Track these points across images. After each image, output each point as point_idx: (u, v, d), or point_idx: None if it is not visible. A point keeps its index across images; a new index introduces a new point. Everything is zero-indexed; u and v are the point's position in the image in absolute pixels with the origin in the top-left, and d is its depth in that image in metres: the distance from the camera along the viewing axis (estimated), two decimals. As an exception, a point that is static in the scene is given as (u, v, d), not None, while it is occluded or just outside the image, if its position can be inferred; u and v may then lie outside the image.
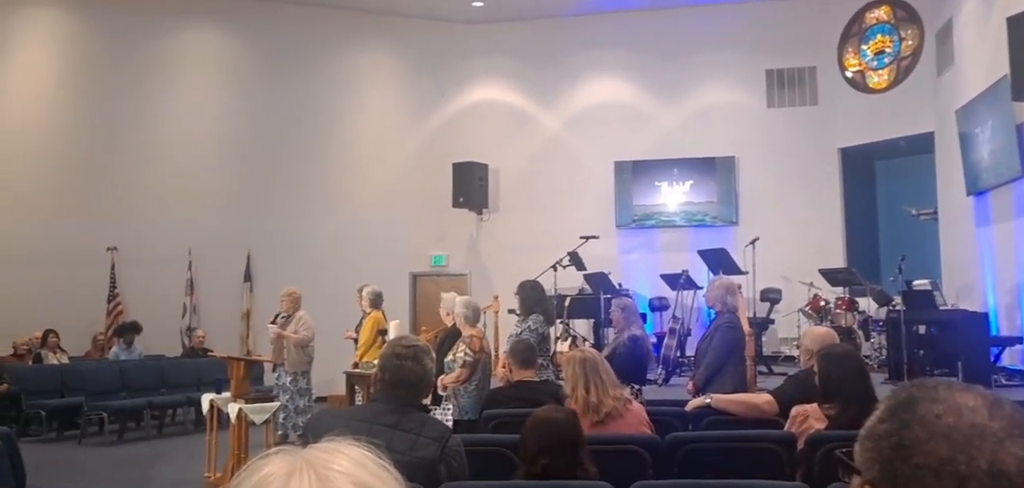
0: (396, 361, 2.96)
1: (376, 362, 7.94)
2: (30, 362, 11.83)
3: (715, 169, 13.53)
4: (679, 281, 10.99)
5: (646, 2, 13.69)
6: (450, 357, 6.15)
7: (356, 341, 9.82)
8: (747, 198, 13.43)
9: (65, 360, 12.20)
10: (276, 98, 14.10)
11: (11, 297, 12.82)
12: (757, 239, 10.93)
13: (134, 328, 12.54)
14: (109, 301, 13.62)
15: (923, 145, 12.11)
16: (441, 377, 6.07)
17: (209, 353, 12.67)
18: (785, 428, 4.09)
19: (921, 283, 9.76)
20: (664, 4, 13.77)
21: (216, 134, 14.14)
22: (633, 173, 13.75)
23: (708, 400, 4.85)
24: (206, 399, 8.14)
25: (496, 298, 11.07)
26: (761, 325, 11.08)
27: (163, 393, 11.44)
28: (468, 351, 6.12)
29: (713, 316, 7.19)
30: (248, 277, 13.88)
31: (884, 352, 9.78)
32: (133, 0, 14.01)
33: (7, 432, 5.35)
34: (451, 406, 6.20)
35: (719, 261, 10.50)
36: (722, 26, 13.65)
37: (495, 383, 6.43)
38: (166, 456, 9.32)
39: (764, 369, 10.06)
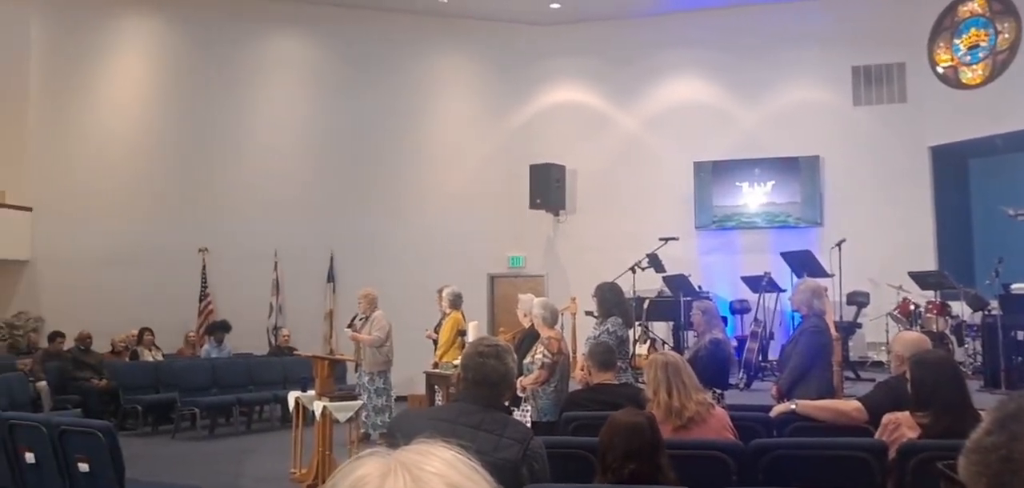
0: (479, 360, 2.96)
1: (455, 363, 8.06)
2: (127, 359, 12.36)
3: (798, 169, 13.21)
4: (761, 283, 10.77)
5: (725, 0, 13.47)
6: (529, 359, 6.18)
7: (436, 341, 9.95)
8: (832, 199, 13.08)
9: (159, 357, 12.72)
10: (358, 102, 14.40)
11: (110, 296, 13.45)
12: (843, 241, 10.62)
13: (224, 327, 12.96)
14: (200, 300, 14.14)
15: (1021, 143, 11.57)
16: (520, 379, 6.10)
17: (294, 352, 13.02)
18: (875, 436, 3.97)
19: (1020, 286, 9.32)
20: (744, 1, 13.52)
21: (301, 138, 14.53)
22: (713, 173, 13.54)
23: (793, 406, 4.73)
24: (292, 397, 8.37)
25: (573, 300, 11.04)
26: (848, 329, 10.76)
27: (251, 390, 11.77)
28: (546, 352, 6.14)
29: (798, 320, 7.03)
30: (331, 277, 14.21)
31: (979, 359, 9.37)
32: (222, 9, 14.52)
33: (107, 426, 5.57)
34: (529, 408, 6.23)
35: (803, 263, 10.23)
36: (806, 22, 13.32)
37: (573, 385, 6.42)
38: (254, 452, 9.62)
39: (851, 375, 9.78)
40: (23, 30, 14.56)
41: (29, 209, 14.33)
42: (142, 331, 12.83)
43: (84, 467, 5.62)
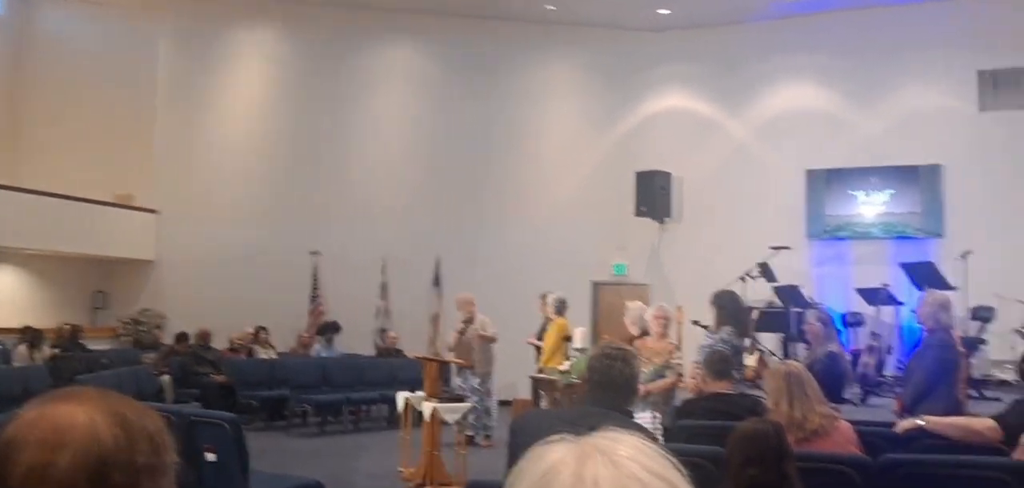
0: (606, 362, 2.98)
1: (561, 368, 8.09)
2: (243, 356, 12.89)
3: (918, 178, 12.64)
4: (879, 296, 10.36)
5: (843, 3, 13.01)
6: (648, 367, 6.13)
7: (539, 348, 10.01)
8: (954, 209, 12.45)
9: (273, 355, 13.21)
10: (464, 109, 14.61)
11: (228, 296, 14.06)
12: (969, 252, 10.11)
13: (334, 327, 13.34)
14: (311, 301, 14.61)
15: None
16: (647, 384, 6.06)
17: (401, 354, 13.28)
18: (1014, 456, 3.76)
19: None
20: (862, 4, 13.03)
21: (408, 145, 14.85)
22: (826, 182, 13.11)
23: (921, 422, 4.54)
24: (401, 397, 8.55)
25: (679, 309, 10.90)
26: (971, 346, 10.22)
27: (360, 390, 12.04)
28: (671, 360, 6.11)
29: (918, 334, 6.74)
30: (437, 282, 14.44)
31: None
32: (334, 21, 15.01)
33: (234, 418, 5.82)
34: (658, 414, 6.17)
35: (925, 276, 9.79)
36: (928, 25, 12.74)
37: (682, 395, 6.34)
38: (363, 449, 9.87)
39: (974, 393, 9.28)
40: (152, 45, 15.46)
41: (155, 212, 15.16)
42: (258, 329, 13.35)
43: (211, 457, 5.88)
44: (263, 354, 13.06)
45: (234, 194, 14.89)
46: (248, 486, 5.59)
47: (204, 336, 12.69)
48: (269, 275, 14.32)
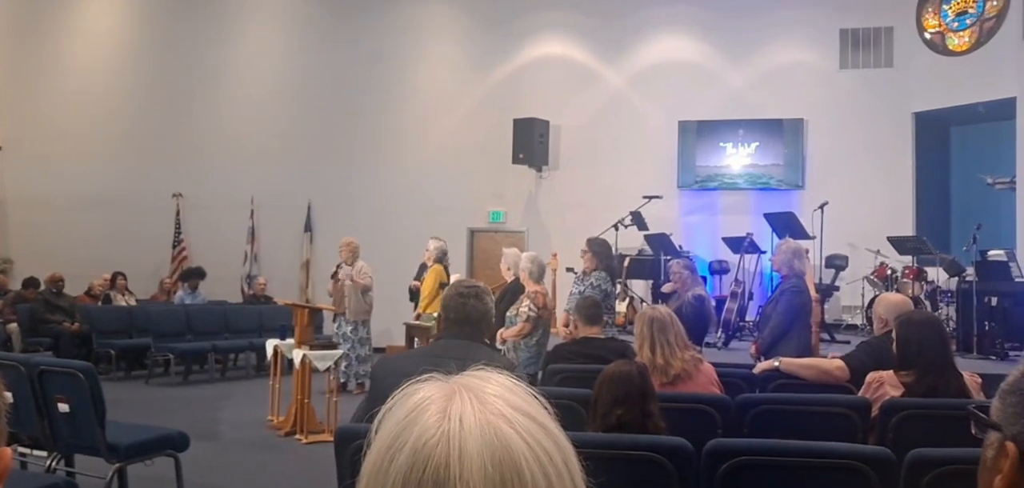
0: (460, 299, 3.06)
1: (436, 314, 8.03)
2: (100, 303, 12.19)
3: (782, 131, 13.19)
4: (743, 244, 10.79)
5: (716, -43, 13.32)
6: (512, 311, 6.15)
7: (418, 291, 9.93)
8: (814, 162, 13.09)
9: (132, 302, 12.57)
10: (340, 49, 14.14)
11: (81, 239, 13.22)
12: (826, 203, 10.65)
13: (199, 273, 12.80)
14: (174, 246, 13.94)
15: (1003, 111, 11.63)
16: (501, 331, 6.08)
17: (270, 300, 12.90)
18: (859, 394, 3.98)
19: (997, 253, 9.41)
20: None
21: (280, 84, 14.27)
22: (697, 133, 13.48)
23: (776, 363, 4.75)
24: (271, 345, 8.30)
25: (555, 256, 11.03)
26: (825, 292, 10.83)
27: (226, 337, 11.69)
28: (532, 306, 6.12)
29: (777, 281, 7.05)
30: (308, 227, 14.06)
31: (952, 324, 9.48)
32: (202, -50, 14.15)
33: (89, 367, 5.50)
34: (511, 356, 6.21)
35: (786, 225, 10.24)
36: (796, -17, 13.23)
37: (556, 340, 6.42)
38: (229, 399, 9.56)
39: (826, 337, 9.85)
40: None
41: (-3, 147, 14.01)
42: (115, 275, 12.66)
43: (64, 407, 5.56)
44: (121, 301, 12.40)
45: (87, 129, 13.90)
46: (105, 437, 5.32)
47: (56, 281, 11.92)
48: (126, 218, 13.55)
